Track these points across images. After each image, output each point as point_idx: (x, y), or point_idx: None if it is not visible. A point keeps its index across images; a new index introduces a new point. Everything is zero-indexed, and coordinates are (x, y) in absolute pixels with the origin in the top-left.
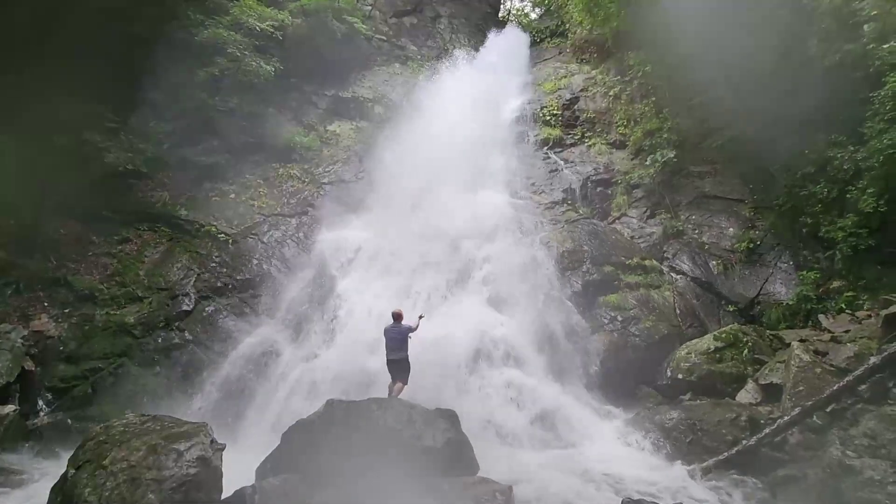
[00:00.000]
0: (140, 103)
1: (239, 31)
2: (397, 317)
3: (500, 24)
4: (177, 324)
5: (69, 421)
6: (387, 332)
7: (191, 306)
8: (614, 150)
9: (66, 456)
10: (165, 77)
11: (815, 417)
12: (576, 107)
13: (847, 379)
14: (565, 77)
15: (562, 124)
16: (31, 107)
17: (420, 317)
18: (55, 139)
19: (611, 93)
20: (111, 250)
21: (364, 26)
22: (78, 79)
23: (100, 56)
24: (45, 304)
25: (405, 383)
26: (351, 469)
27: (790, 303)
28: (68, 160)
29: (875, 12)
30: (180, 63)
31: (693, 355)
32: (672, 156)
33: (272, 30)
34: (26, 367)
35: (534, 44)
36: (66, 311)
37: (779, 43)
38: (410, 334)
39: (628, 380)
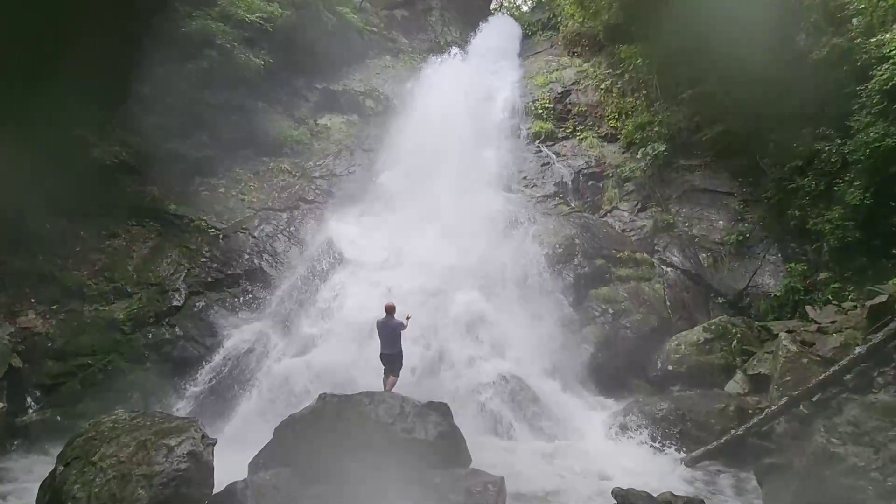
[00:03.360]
0: (127, 97)
1: (228, 23)
2: (390, 310)
3: (492, 17)
4: (167, 319)
5: (58, 418)
6: (379, 326)
7: (181, 302)
8: (606, 143)
9: (54, 453)
10: (153, 70)
11: (801, 407)
12: (567, 100)
13: (833, 369)
14: (557, 70)
15: (553, 118)
16: (20, 103)
17: (407, 317)
18: (41, 133)
19: (602, 86)
20: (99, 246)
21: (355, 17)
22: (65, 72)
23: (87, 49)
24: (33, 300)
25: (397, 376)
26: (343, 463)
27: (778, 294)
28: (54, 154)
29: (862, 6)
30: (168, 56)
31: (683, 347)
32: (663, 149)
33: (262, 22)
34: (13, 364)
35: (525, 37)
36: (54, 307)
37: (768, 37)
38: (402, 331)
39: (619, 371)
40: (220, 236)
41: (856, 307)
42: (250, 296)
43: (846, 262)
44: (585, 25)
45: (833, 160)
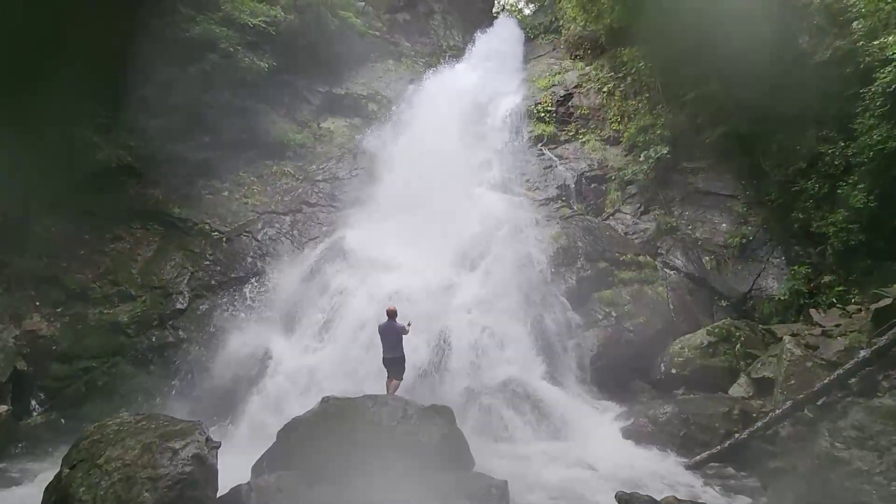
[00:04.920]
0: (130, 99)
1: (231, 26)
2: (392, 314)
3: (494, 20)
4: (171, 322)
5: (62, 420)
6: (382, 330)
7: (185, 305)
8: (608, 146)
9: (59, 456)
10: (156, 73)
11: (805, 410)
12: (570, 103)
13: (837, 372)
14: (559, 73)
15: (556, 121)
16: (24, 105)
17: (408, 324)
18: (45, 135)
19: (604, 89)
20: (103, 248)
21: (357, 20)
22: (68, 75)
23: (90, 51)
24: (37, 303)
25: (400, 380)
26: (346, 466)
27: (782, 297)
28: (58, 156)
29: (865, 9)
30: (171, 59)
31: (686, 350)
32: (665, 152)
33: (265, 25)
34: (18, 367)
35: (527, 40)
36: (59, 310)
37: (771, 39)
38: (404, 335)
39: (622, 374)
40: (224, 239)
41: (860, 310)
42: (253, 299)
43: (850, 264)
44: (587, 28)
45: (836, 162)
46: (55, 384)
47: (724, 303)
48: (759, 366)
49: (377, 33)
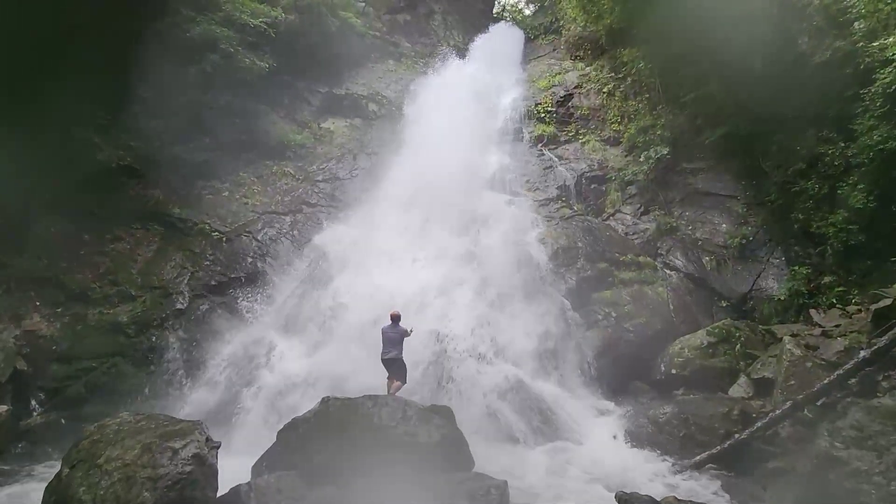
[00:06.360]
0: (131, 100)
1: (231, 27)
2: (395, 318)
3: (495, 21)
4: (171, 322)
5: (62, 421)
6: (385, 332)
7: (185, 305)
8: (608, 146)
9: (59, 456)
10: (156, 73)
11: (805, 411)
12: (570, 104)
13: (837, 373)
14: (559, 74)
15: (556, 121)
16: (25, 106)
17: (410, 329)
18: (45, 135)
19: (604, 90)
20: (103, 249)
21: (358, 21)
22: (69, 76)
23: (90, 52)
24: (37, 303)
25: (403, 382)
26: (346, 466)
27: (782, 298)
28: (59, 157)
29: (864, 10)
30: (171, 59)
31: (686, 350)
32: (665, 152)
33: (265, 26)
34: (18, 367)
35: (528, 40)
36: (59, 310)
37: (771, 40)
38: (406, 338)
39: (622, 375)
40: (224, 239)
41: (860, 310)
42: (253, 299)
43: (850, 265)
44: (587, 29)
45: (836, 163)
46: (55, 384)
47: (723, 303)
48: (758, 366)
49: (377, 34)
